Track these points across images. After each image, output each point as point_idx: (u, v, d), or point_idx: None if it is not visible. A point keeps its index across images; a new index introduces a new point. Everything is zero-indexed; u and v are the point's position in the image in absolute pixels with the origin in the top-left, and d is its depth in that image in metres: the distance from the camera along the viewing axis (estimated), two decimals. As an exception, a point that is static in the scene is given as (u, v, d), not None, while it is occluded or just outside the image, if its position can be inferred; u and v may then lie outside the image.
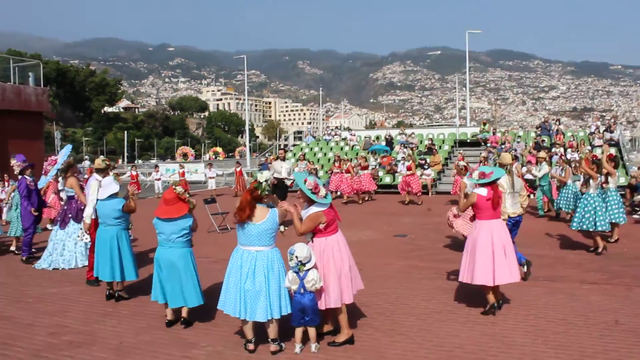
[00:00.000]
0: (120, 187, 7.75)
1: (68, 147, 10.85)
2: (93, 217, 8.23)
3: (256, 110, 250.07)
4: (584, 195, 10.66)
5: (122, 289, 7.71)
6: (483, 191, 6.77)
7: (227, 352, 5.60)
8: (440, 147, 27.03)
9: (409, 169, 19.85)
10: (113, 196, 7.49)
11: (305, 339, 5.58)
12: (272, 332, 5.51)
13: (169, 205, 6.32)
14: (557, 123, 27.59)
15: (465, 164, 12.47)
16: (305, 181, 5.64)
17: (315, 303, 5.50)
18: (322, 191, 5.67)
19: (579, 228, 10.49)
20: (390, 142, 28.27)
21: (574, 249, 10.77)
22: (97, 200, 7.70)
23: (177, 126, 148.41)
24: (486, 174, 6.81)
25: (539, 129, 27.39)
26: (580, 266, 9.31)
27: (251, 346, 5.57)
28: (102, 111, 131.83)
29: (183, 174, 25.93)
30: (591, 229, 10.33)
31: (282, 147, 23.86)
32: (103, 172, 8.40)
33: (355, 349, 5.61)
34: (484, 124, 28.83)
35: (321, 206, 5.67)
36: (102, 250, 7.48)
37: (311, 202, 5.69)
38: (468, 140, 28.18)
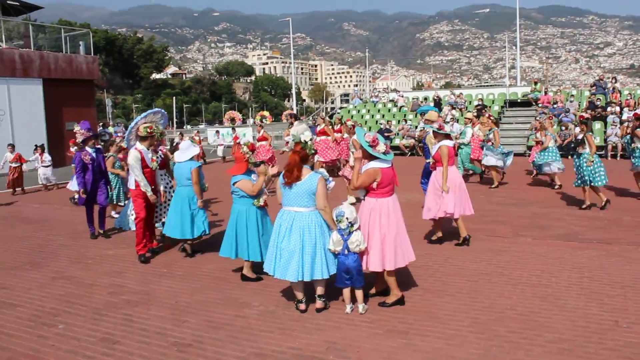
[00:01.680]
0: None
1: (156, 110, 9.22)
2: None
3: (302, 73, 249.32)
4: (581, 156, 10.76)
5: (197, 242, 8.48)
6: (450, 143, 8.19)
7: (279, 311, 5.72)
8: (489, 107, 26.42)
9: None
10: (190, 159, 7.91)
11: (354, 299, 5.65)
12: (320, 288, 5.61)
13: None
14: (613, 81, 26.55)
15: (353, 123, 12.63)
16: (365, 135, 5.64)
17: (359, 264, 5.53)
18: (381, 146, 5.58)
19: (580, 185, 10.89)
20: (438, 103, 27.82)
21: (629, 212, 10.47)
22: (175, 162, 8.09)
23: (224, 91, 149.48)
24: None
25: (594, 87, 26.43)
26: (636, 228, 9.05)
27: (302, 306, 5.66)
28: (151, 78, 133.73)
29: (199, 142, 25.86)
30: (599, 184, 10.64)
31: (290, 111, 19.46)
32: (145, 140, 7.98)
33: (405, 309, 5.64)
34: (535, 84, 27.98)
35: (381, 163, 5.60)
36: (174, 209, 7.84)
37: (371, 158, 5.63)
38: (518, 100, 27.48)
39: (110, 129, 28.73)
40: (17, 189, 15.69)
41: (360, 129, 5.96)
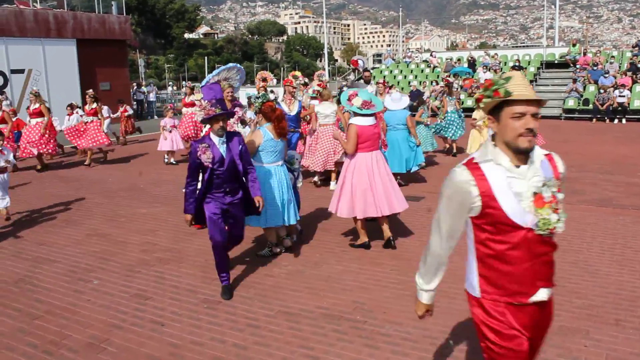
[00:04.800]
0: None
1: (230, 65, 7.88)
2: None
3: (334, 33, 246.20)
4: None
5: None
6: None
7: (307, 271, 5.78)
8: (525, 69, 25.79)
9: None
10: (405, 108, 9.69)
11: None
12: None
13: None
14: (657, 41, 25.60)
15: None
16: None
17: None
18: (357, 101, 5.94)
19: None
20: (472, 64, 27.27)
21: (668, 175, 10.22)
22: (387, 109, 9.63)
23: (256, 51, 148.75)
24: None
25: (636, 48, 25.53)
26: (675, 193, 8.83)
27: (278, 249, 6.31)
28: (183, 38, 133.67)
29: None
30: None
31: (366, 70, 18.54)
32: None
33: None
34: (574, 44, 27.16)
35: (360, 119, 6.01)
36: (392, 148, 9.55)
37: (354, 115, 6.09)
38: (556, 62, 26.75)
39: (144, 89, 29.02)
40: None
41: (346, 90, 6.54)
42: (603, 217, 7.57)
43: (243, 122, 7.68)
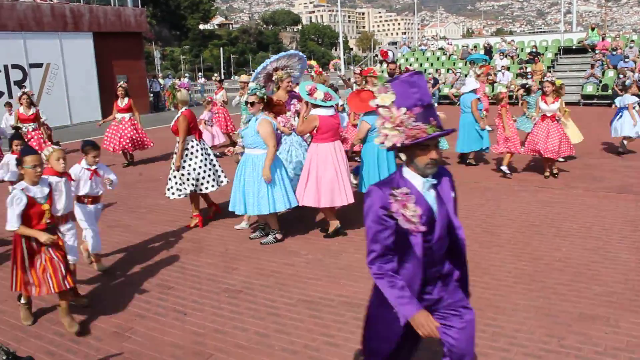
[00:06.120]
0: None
1: (292, 53, 6.99)
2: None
3: (349, 21, 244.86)
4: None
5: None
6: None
7: (327, 260, 5.83)
8: (543, 55, 25.49)
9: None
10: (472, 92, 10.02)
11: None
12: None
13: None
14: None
15: None
16: (305, 86, 6.22)
17: None
18: (319, 94, 6.05)
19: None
20: (489, 50, 27.04)
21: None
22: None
23: (271, 41, 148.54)
24: None
25: (656, 31, 25.10)
26: (696, 179, 8.74)
27: (280, 236, 6.48)
28: (198, 29, 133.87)
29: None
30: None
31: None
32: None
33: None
34: (592, 29, 26.78)
35: (321, 110, 6.14)
36: (460, 130, 10.10)
37: (315, 107, 6.17)
38: (573, 47, 26.39)
39: (161, 81, 29.16)
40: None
41: (303, 82, 6.53)
42: (623, 204, 7.52)
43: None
